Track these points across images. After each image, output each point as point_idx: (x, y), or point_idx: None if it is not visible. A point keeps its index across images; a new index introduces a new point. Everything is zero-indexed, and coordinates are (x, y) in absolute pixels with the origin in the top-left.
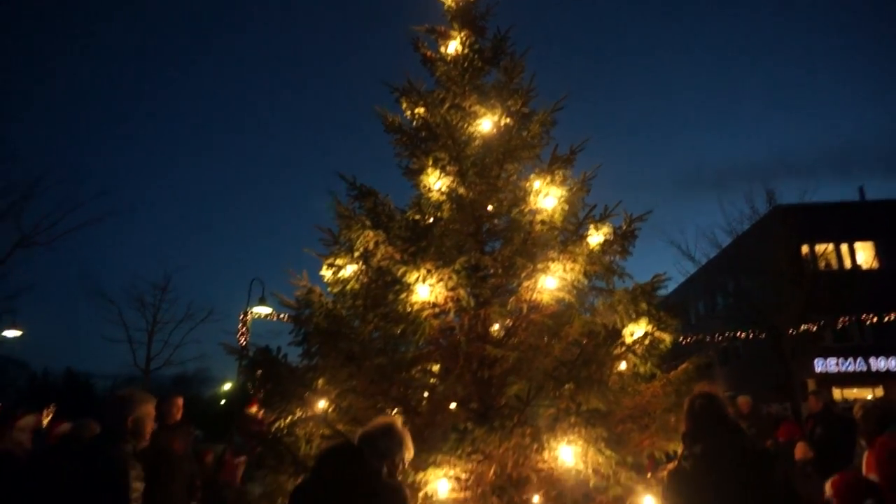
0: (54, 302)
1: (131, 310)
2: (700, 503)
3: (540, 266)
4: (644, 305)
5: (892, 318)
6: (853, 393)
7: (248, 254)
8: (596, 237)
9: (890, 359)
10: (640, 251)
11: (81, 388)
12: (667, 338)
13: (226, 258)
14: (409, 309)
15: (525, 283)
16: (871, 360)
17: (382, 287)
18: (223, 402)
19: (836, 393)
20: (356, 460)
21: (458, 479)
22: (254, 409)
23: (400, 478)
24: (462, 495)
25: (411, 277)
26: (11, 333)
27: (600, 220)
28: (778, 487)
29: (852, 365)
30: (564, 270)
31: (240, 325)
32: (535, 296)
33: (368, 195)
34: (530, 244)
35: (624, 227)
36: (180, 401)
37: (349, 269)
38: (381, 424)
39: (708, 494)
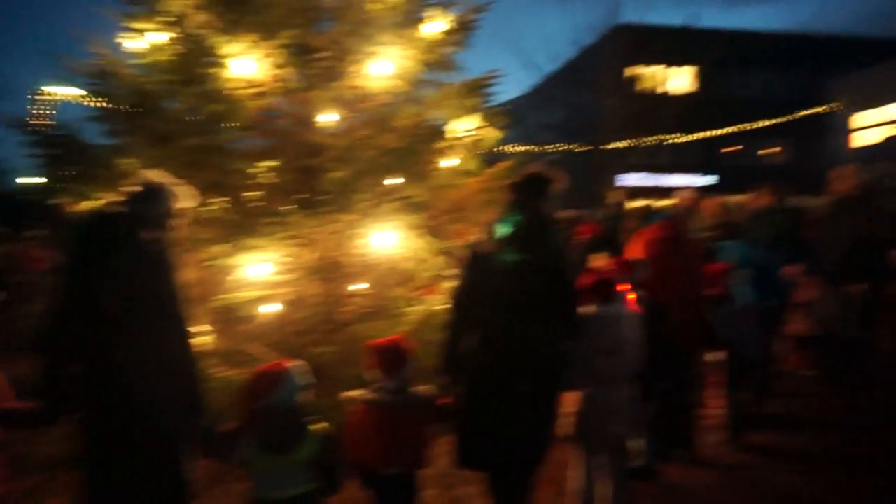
0: None
1: None
2: (490, 279)
3: (372, 50)
4: (474, 101)
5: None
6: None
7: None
8: (433, 25)
9: (681, 175)
10: (479, 59)
11: None
12: (493, 135)
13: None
14: (227, 86)
15: (354, 68)
16: (666, 177)
17: (198, 58)
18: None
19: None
20: (112, 226)
21: (276, 263)
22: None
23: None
24: (282, 278)
25: (231, 49)
26: None
27: (440, 4)
28: (555, 259)
29: (650, 180)
30: (398, 57)
31: (33, 108)
32: (365, 82)
33: None
34: (363, 25)
35: (465, 17)
36: None
37: (156, 38)
38: (141, 187)
39: (498, 272)
